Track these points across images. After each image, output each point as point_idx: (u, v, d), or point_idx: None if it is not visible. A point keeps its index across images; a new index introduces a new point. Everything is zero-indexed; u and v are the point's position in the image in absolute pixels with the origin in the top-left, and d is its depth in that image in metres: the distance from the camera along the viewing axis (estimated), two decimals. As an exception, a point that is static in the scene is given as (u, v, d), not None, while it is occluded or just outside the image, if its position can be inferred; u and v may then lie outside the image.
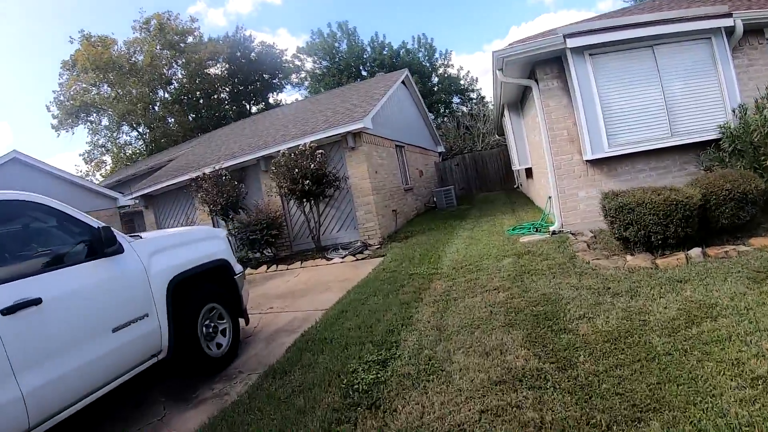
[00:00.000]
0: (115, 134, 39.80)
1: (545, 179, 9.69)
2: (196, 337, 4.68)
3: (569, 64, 7.60)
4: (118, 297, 3.94)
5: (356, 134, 11.34)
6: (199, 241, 5.23)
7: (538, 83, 8.05)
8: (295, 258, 11.45)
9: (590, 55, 7.61)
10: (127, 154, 40.34)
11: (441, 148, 26.96)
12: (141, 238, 4.57)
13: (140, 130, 39.81)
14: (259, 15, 69.84)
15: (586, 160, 7.82)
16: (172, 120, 39.68)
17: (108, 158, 41.04)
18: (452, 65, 40.40)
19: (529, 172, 13.67)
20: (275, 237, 11.42)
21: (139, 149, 40.12)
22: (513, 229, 9.34)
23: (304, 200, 10.95)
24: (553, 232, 8.06)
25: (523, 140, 12.34)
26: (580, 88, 7.56)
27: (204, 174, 12.22)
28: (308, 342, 5.01)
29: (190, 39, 40.54)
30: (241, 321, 5.73)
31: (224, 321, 5.22)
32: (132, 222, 21.99)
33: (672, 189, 5.77)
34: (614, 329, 3.84)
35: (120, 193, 18.74)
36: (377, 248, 10.75)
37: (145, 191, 15.38)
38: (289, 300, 7.50)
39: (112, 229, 4.02)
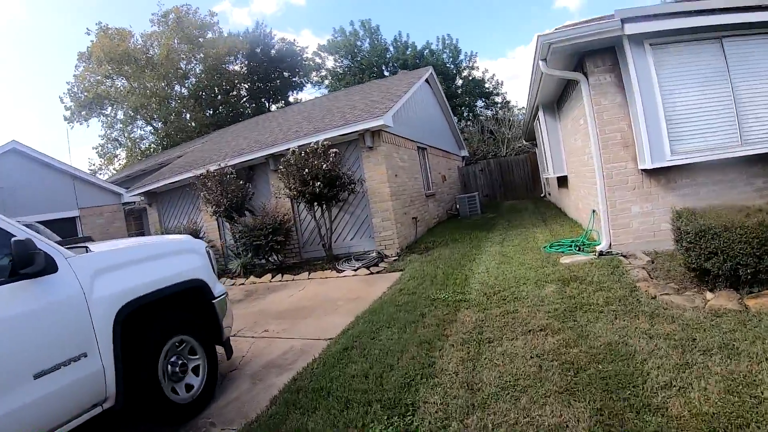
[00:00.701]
0: (128, 128, 39.09)
1: (586, 190, 8.54)
2: (156, 380, 3.64)
3: (626, 55, 6.42)
4: (42, 333, 2.91)
5: (375, 133, 10.27)
6: (167, 255, 4.16)
7: (587, 77, 6.89)
8: (303, 267, 10.40)
9: (650, 45, 6.43)
10: (142, 149, 39.65)
11: (464, 153, 25.80)
12: (88, 250, 3.54)
13: (155, 125, 39.08)
14: (284, 15, 69.92)
15: (642, 170, 6.64)
16: (189, 116, 38.94)
17: (122, 153, 40.44)
18: (477, 67, 39.10)
19: (562, 182, 12.48)
20: (281, 244, 10.35)
21: (154, 144, 39.38)
22: (550, 246, 8.15)
23: (315, 204, 9.91)
24: (600, 253, 6.87)
25: (559, 146, 11.15)
26: (639, 83, 6.37)
27: (208, 172, 11.27)
28: (300, 392, 3.88)
29: (209, 34, 39.80)
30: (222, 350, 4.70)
31: (197, 357, 4.17)
32: (140, 219, 21.14)
33: (762, 210, 4.61)
34: (719, 410, 2.69)
35: (126, 188, 17.86)
36: (394, 260, 9.66)
37: (148, 188, 14.49)
38: (288, 321, 6.43)
39: (37, 240, 3.00)
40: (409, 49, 37.43)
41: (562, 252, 7.59)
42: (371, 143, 10.23)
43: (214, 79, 39.43)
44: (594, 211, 7.73)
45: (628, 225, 6.79)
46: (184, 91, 40.19)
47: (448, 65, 37.06)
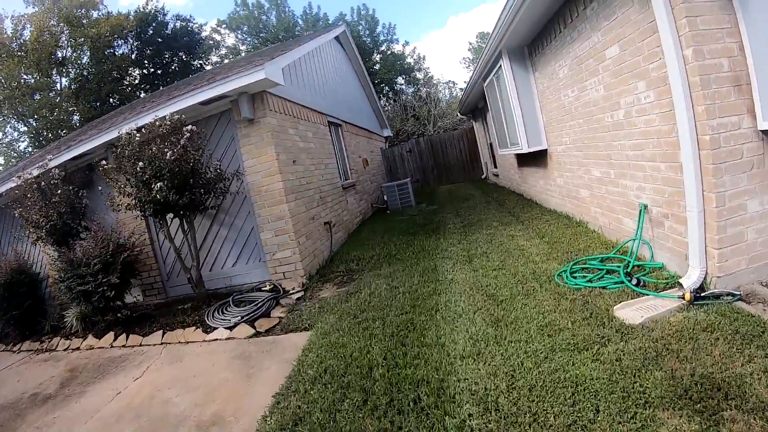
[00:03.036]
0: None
1: (618, 168, 5.24)
2: None
3: None
4: None
5: (256, 96, 6.47)
6: None
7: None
8: (161, 317, 6.51)
9: None
10: (18, 153, 33.42)
11: (388, 132, 22.28)
12: None
13: (30, 122, 32.82)
14: (195, 5, 66.65)
15: (763, 131, 3.36)
16: (71, 109, 33.03)
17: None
18: (397, 40, 35.72)
19: (528, 159, 9.21)
20: (117, 288, 6.25)
21: (32, 146, 33.14)
22: (570, 273, 4.63)
23: (167, 216, 6.11)
24: (696, 295, 3.47)
25: (534, 108, 7.74)
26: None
27: (22, 179, 7.24)
28: None
29: (94, 15, 33.90)
30: None
31: None
32: None
33: None
34: None
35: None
36: (298, 298, 6.11)
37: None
38: None
39: None
40: (321, 22, 33.44)
41: (604, 287, 4.13)
42: (250, 113, 6.36)
43: (102, 67, 33.60)
44: (645, 206, 4.41)
45: (742, 236, 3.46)
46: (65, 81, 34.15)
47: (364, 38, 33.30)
